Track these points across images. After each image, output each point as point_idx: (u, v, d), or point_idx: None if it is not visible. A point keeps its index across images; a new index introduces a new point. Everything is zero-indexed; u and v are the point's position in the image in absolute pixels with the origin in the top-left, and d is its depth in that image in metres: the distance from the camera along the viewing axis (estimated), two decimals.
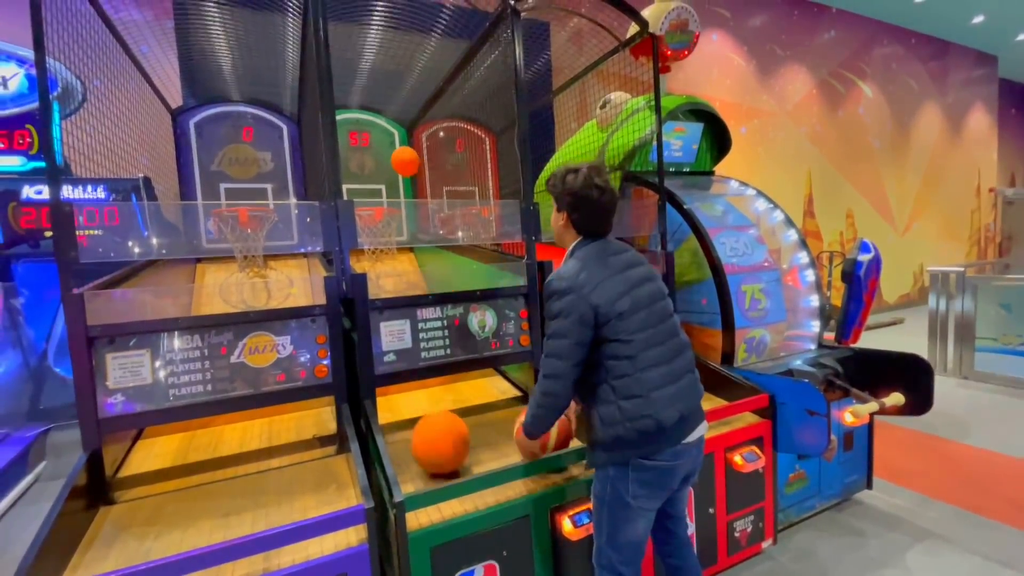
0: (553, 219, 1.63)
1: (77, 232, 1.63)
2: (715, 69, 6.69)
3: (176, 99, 3.26)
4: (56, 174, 1.59)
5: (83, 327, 1.58)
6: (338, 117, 3.51)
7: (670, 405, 1.44)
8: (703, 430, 1.56)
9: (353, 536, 1.48)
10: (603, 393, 1.47)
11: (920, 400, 2.62)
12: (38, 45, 1.54)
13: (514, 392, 2.59)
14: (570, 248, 1.59)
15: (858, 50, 8.29)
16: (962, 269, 5.25)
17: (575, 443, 1.85)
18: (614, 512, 1.50)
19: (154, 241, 1.82)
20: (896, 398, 2.54)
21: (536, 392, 1.53)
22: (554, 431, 1.75)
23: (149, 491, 1.74)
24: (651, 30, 2.84)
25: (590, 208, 1.54)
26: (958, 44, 9.74)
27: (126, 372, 1.62)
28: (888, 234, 8.95)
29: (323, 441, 2.04)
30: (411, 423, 2.26)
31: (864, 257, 2.90)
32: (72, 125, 2.00)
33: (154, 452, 2.01)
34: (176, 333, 1.69)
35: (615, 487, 1.49)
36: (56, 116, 2.63)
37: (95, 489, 1.63)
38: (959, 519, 2.70)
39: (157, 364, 1.67)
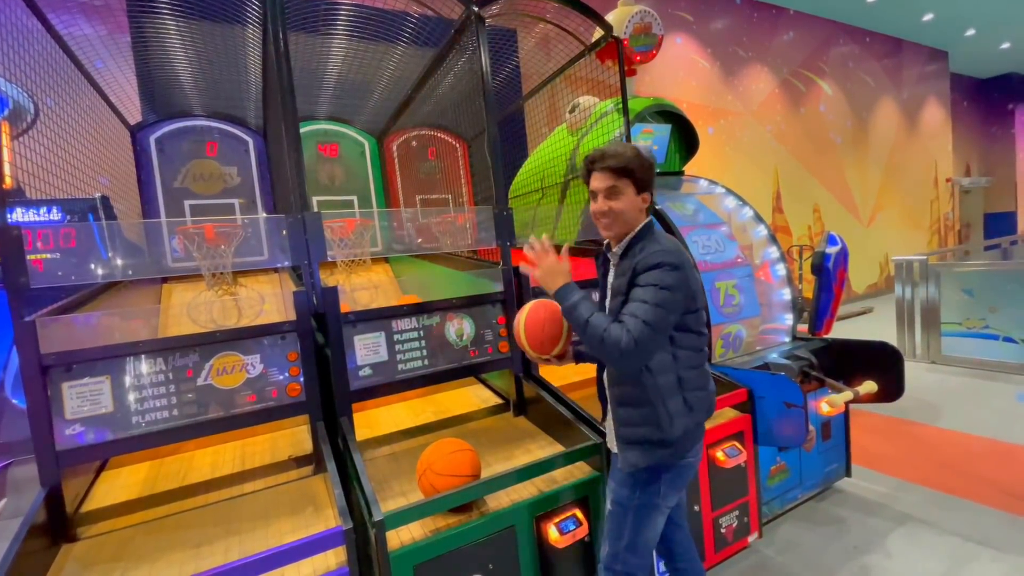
0: (631, 203, 1.47)
1: (32, 256, 1.55)
2: (680, 71, 6.82)
3: (135, 115, 3.16)
4: (2, 197, 1.51)
5: (36, 355, 1.50)
6: (305, 128, 3.51)
7: (714, 398, 1.55)
8: None
9: (332, 559, 1.43)
10: (669, 385, 1.43)
11: (892, 387, 2.68)
12: None
13: (496, 400, 2.56)
14: (641, 227, 1.49)
15: (816, 50, 8.55)
16: (925, 257, 5.44)
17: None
18: (641, 515, 1.49)
19: (116, 262, 1.75)
20: (869, 386, 2.60)
21: (606, 341, 1.32)
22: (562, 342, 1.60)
23: (114, 525, 1.66)
24: (615, 34, 2.87)
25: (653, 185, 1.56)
26: (910, 41, 10.15)
27: (84, 401, 1.54)
28: (854, 226, 9.22)
29: (299, 462, 1.97)
30: (390, 438, 2.22)
31: (832, 250, 2.97)
32: (22, 146, 1.91)
33: (119, 483, 1.92)
34: (137, 357, 1.62)
35: (646, 491, 1.48)
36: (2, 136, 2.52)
37: (56, 526, 1.54)
38: (936, 501, 2.76)
39: (118, 391, 1.59)
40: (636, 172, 1.46)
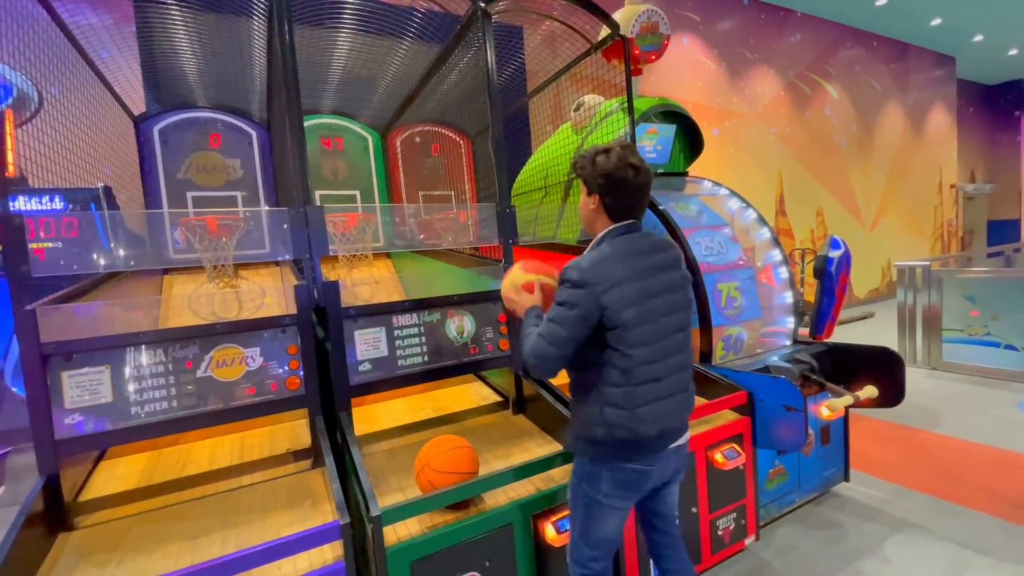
0: (583, 204, 1.53)
1: (33, 245, 1.55)
2: (686, 72, 6.80)
3: (139, 106, 3.15)
4: (5, 185, 1.51)
5: (36, 344, 1.50)
6: (309, 122, 3.50)
7: (652, 422, 1.41)
8: (685, 439, 1.56)
9: (329, 553, 1.43)
10: (591, 394, 1.45)
11: (892, 392, 2.67)
12: None
13: (495, 397, 2.56)
14: (599, 236, 1.49)
15: (823, 53, 8.52)
16: (927, 263, 5.42)
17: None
18: (587, 508, 1.50)
19: (118, 252, 1.74)
20: (870, 391, 2.59)
21: (523, 355, 1.45)
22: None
23: (112, 515, 1.66)
24: (622, 33, 2.86)
25: (624, 189, 1.44)
26: (917, 46, 10.10)
27: (84, 390, 1.54)
28: (857, 231, 9.20)
29: (297, 455, 1.97)
30: (388, 433, 2.22)
31: (835, 253, 2.96)
32: (26, 134, 1.91)
33: (117, 473, 1.92)
34: (137, 348, 1.62)
35: (590, 482, 1.48)
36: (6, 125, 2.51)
37: (53, 515, 1.54)
38: (934, 508, 2.76)
39: (117, 381, 1.59)
40: (578, 171, 1.52)
